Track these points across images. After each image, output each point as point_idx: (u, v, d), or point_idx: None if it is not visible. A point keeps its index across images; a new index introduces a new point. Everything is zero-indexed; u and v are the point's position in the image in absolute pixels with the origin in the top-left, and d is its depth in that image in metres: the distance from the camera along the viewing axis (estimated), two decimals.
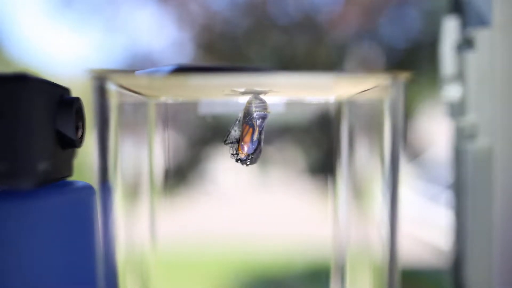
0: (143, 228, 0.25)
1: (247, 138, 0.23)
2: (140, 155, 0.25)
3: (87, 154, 0.23)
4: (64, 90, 0.22)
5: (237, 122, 0.24)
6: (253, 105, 0.23)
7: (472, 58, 0.33)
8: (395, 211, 0.19)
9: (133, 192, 0.23)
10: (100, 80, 0.18)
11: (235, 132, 0.24)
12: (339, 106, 0.27)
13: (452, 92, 0.35)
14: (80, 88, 0.24)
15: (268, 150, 0.26)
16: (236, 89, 0.22)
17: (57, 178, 0.21)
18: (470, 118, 0.34)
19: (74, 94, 0.23)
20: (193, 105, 0.27)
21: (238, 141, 0.24)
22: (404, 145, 0.19)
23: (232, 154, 0.24)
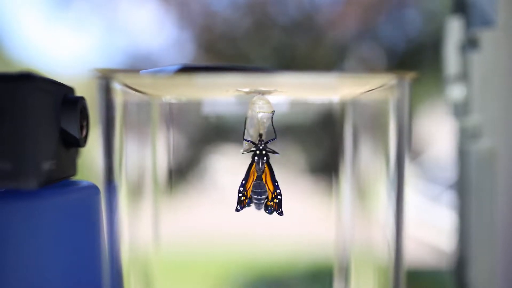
0: (147, 228, 0.25)
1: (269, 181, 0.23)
2: (144, 154, 0.25)
3: (90, 153, 0.23)
4: (68, 89, 0.22)
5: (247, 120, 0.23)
6: (256, 107, 0.22)
7: (476, 58, 0.33)
8: (401, 212, 0.19)
9: (137, 191, 0.23)
10: (105, 79, 0.18)
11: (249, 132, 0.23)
12: (343, 106, 0.27)
13: (455, 92, 0.35)
14: (81, 87, 0.24)
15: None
16: (240, 89, 0.22)
17: (61, 177, 0.21)
18: (474, 118, 0.34)
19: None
20: (197, 105, 0.27)
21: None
22: (409, 145, 0.19)
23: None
